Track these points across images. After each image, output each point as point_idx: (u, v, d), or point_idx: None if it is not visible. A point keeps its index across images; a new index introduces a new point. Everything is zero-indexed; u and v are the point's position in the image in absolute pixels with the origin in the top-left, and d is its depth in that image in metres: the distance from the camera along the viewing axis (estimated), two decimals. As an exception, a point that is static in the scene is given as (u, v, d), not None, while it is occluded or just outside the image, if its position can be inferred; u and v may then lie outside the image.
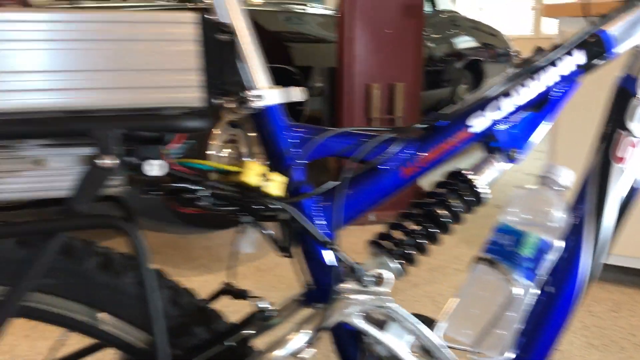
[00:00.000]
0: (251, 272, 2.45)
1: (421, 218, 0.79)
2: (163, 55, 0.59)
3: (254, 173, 0.66)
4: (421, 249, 0.78)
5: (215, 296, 0.79)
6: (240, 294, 0.76)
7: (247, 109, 0.70)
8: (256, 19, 3.28)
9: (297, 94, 0.74)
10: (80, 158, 0.61)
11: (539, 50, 0.83)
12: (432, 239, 0.78)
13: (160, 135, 0.60)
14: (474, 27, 5.44)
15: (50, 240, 0.56)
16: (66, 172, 0.61)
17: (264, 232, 0.70)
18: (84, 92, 0.57)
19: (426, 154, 0.77)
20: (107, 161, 0.56)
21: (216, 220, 2.75)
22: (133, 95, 0.58)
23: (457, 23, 5.13)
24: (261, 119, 0.73)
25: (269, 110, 0.73)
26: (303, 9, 3.75)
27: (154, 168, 0.61)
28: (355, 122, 3.14)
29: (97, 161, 0.56)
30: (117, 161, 0.57)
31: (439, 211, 0.78)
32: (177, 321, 0.69)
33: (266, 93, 0.71)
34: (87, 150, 0.61)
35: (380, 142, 0.76)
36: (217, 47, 0.61)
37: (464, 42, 5.04)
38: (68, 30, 0.56)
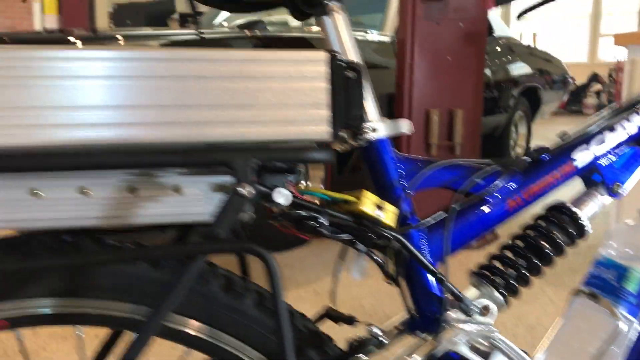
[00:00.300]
0: (309, 295, 2.48)
1: (523, 250, 0.80)
2: (295, 91, 0.62)
3: (370, 203, 0.68)
4: (524, 281, 0.79)
5: (318, 320, 0.81)
6: (345, 319, 0.78)
7: (360, 141, 0.73)
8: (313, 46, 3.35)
9: (405, 126, 0.76)
10: (213, 186, 0.65)
11: None
12: (535, 271, 0.79)
13: (289, 166, 0.64)
14: (530, 53, 5.40)
15: (192, 263, 0.60)
16: (200, 198, 0.65)
17: (375, 259, 0.72)
18: (223, 125, 0.61)
19: (531, 187, 0.79)
20: (246, 190, 0.60)
21: (281, 242, 2.79)
22: (266, 129, 0.62)
23: (513, 49, 5.11)
24: (371, 150, 0.76)
25: (379, 142, 0.76)
26: (363, 36, 3.80)
27: (282, 196, 0.64)
28: (413, 147, 3.15)
29: (237, 189, 0.60)
30: (254, 190, 0.60)
31: (541, 243, 0.79)
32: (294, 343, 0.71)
33: (378, 125, 0.74)
34: (219, 179, 0.65)
35: (487, 175, 0.78)
36: (344, 83, 0.64)
37: (520, 69, 5.01)
38: (215, 68, 0.60)
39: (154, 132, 0.60)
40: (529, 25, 9.54)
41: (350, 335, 0.77)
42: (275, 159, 0.62)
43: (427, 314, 0.77)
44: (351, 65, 0.64)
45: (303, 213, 0.66)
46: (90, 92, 0.58)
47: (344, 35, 0.76)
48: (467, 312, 0.74)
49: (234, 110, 0.61)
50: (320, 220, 0.67)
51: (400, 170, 0.77)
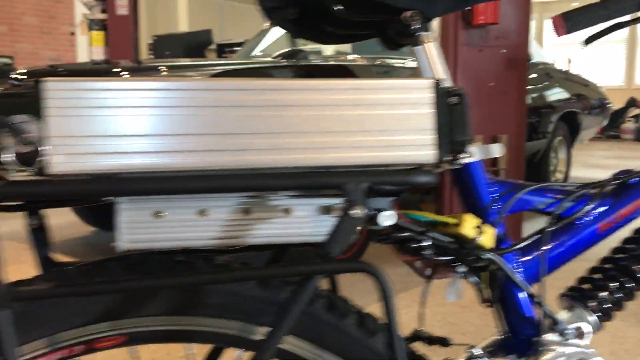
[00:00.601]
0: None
1: (614, 273, 0.80)
2: (401, 117, 0.65)
3: (471, 225, 0.70)
4: (618, 304, 0.79)
5: (409, 342, 0.83)
6: (439, 341, 0.80)
7: (455, 164, 0.75)
8: (352, 73, 3.40)
9: (497, 150, 0.78)
10: (320, 208, 0.68)
11: None
12: (628, 293, 0.80)
13: (397, 189, 0.66)
14: (567, 79, 5.39)
15: (308, 282, 0.63)
16: (308, 220, 0.68)
17: (472, 281, 0.74)
18: (334, 150, 0.64)
19: (621, 210, 0.80)
20: (358, 211, 0.62)
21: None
22: (374, 153, 0.64)
23: (550, 75, 5.10)
24: (464, 173, 0.78)
25: (472, 165, 0.78)
26: (402, 63, 3.85)
27: (388, 219, 0.66)
28: (459, 173, 3.15)
29: (350, 211, 0.62)
30: (365, 212, 0.63)
31: (634, 266, 0.79)
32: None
33: (473, 149, 0.76)
34: (326, 202, 0.68)
35: (578, 198, 0.79)
36: (449, 109, 0.67)
37: (558, 94, 4.99)
38: (328, 96, 0.63)
39: (272, 158, 0.63)
40: (564, 50, 9.51)
41: (440, 357, 0.79)
42: (383, 183, 0.65)
43: (522, 337, 0.78)
44: (455, 92, 0.67)
45: (406, 235, 0.69)
46: (211, 120, 0.62)
47: (437, 63, 0.79)
48: (563, 334, 0.75)
49: (344, 136, 0.64)
50: (424, 242, 0.69)
51: (494, 195, 0.79)
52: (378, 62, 3.75)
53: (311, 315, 0.72)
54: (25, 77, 3.10)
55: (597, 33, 1.17)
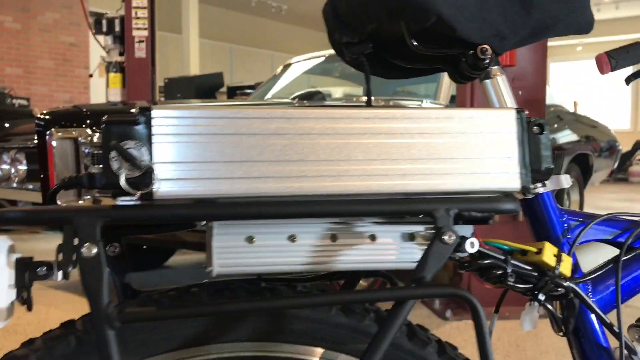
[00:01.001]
0: None
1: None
2: (487, 146, 0.67)
3: (551, 253, 0.71)
4: (690, 333, 0.79)
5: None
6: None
7: (530, 194, 0.76)
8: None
9: (566, 180, 0.80)
10: (405, 235, 0.69)
11: None
12: (700, 323, 0.80)
13: (484, 216, 0.67)
14: (577, 120, 5.44)
15: (402, 307, 0.63)
16: (392, 247, 0.69)
17: (550, 310, 0.74)
18: (422, 177, 0.65)
19: (691, 240, 0.81)
20: (449, 237, 0.64)
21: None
22: (461, 180, 0.66)
23: (561, 117, 5.16)
24: (536, 203, 0.79)
25: (544, 195, 0.79)
26: (419, 105, 3.90)
27: (472, 245, 0.67)
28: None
29: (442, 237, 0.64)
30: (455, 238, 0.64)
31: None
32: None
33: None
34: (410, 228, 0.70)
35: (648, 228, 0.80)
36: (532, 138, 0.69)
37: (569, 136, 5.04)
38: (417, 125, 0.65)
39: (365, 184, 0.64)
40: (569, 93, 9.62)
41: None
42: (471, 209, 0.66)
43: (596, 365, 0.78)
44: (537, 122, 0.69)
45: (489, 262, 0.70)
46: (307, 148, 0.64)
47: (507, 95, 0.81)
48: (639, 363, 0.75)
49: (432, 164, 0.66)
50: (506, 270, 0.70)
51: (564, 225, 0.80)
52: (391, 103, 3.80)
53: (394, 344, 0.72)
54: (49, 117, 3.16)
55: (638, 72, 1.20)
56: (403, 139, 0.66)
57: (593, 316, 0.80)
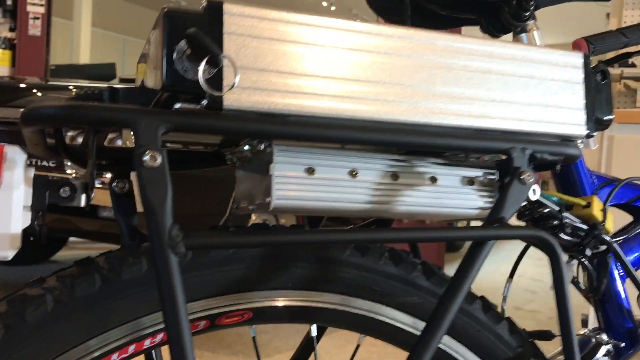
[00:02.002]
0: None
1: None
2: (558, 88, 0.64)
3: (598, 208, 0.70)
4: None
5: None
6: (542, 335, 0.77)
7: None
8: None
9: (594, 142, 0.79)
10: (465, 179, 0.65)
11: None
12: None
13: (552, 161, 0.64)
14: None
15: (481, 249, 0.58)
16: (452, 190, 0.64)
17: (588, 267, 0.73)
18: (499, 116, 0.61)
19: None
20: (529, 178, 0.60)
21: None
22: (533, 123, 0.63)
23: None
24: (570, 164, 0.78)
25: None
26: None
27: (535, 192, 0.64)
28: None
29: (522, 177, 0.60)
30: (533, 179, 0.60)
31: None
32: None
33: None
34: (470, 173, 0.65)
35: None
36: (596, 86, 0.67)
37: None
38: (499, 67, 0.61)
39: (443, 115, 0.59)
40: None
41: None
42: (543, 152, 0.63)
43: (619, 329, 0.78)
44: (600, 69, 0.67)
45: (548, 212, 0.67)
46: (393, 69, 0.57)
47: (543, 52, 0.79)
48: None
49: (506, 104, 0.62)
50: (562, 221, 0.67)
51: (594, 186, 0.79)
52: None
53: (469, 314, 0.67)
54: None
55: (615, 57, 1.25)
56: (482, 74, 0.62)
57: (618, 279, 0.79)
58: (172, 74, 0.50)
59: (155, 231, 0.47)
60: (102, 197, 2.99)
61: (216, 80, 0.51)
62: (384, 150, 0.64)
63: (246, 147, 0.60)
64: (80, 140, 0.62)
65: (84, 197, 0.56)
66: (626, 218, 0.85)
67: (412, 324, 0.67)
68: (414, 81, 0.59)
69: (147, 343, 0.57)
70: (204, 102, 0.51)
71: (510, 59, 0.63)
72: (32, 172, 0.53)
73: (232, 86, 0.50)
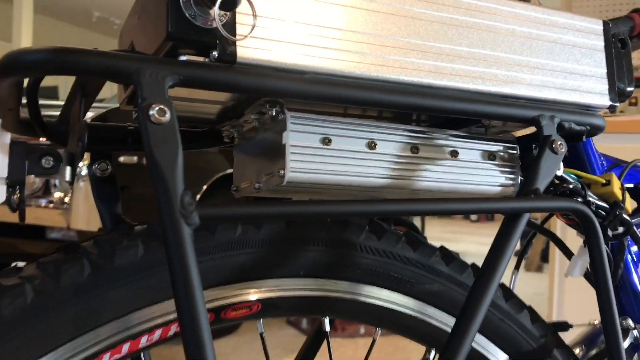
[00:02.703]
0: None
1: None
2: (582, 55, 0.61)
3: (617, 186, 0.66)
4: None
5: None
6: (559, 326, 0.72)
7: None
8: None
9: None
10: (486, 154, 0.60)
11: None
12: None
13: (579, 131, 0.60)
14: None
15: (517, 222, 0.53)
16: (473, 165, 0.59)
17: (607, 250, 0.68)
18: (525, 82, 0.57)
19: None
20: (561, 147, 0.55)
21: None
22: (559, 92, 0.59)
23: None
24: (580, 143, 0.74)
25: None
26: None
27: (560, 168, 0.60)
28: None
29: (553, 146, 0.55)
30: (565, 148, 0.56)
31: None
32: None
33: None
34: (490, 147, 0.60)
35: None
36: (617, 55, 0.63)
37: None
38: (513, 25, 0.57)
39: (468, 79, 0.54)
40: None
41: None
42: (572, 121, 0.58)
43: (634, 316, 0.74)
44: (620, 37, 0.64)
45: (573, 187, 0.63)
46: (414, 28, 0.52)
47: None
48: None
49: (531, 69, 0.58)
50: (586, 198, 0.63)
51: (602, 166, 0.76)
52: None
53: (492, 302, 0.62)
54: None
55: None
56: (506, 36, 0.57)
57: (631, 264, 0.75)
58: (178, 20, 0.43)
59: (164, 198, 0.39)
60: (51, 217, 2.82)
61: (228, 29, 0.44)
62: (402, 120, 0.59)
63: (253, 116, 0.54)
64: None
65: (68, 170, 0.48)
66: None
67: (434, 316, 0.61)
68: (439, 40, 0.53)
69: (143, 341, 0.49)
70: (215, 53, 0.44)
71: (533, 22, 0.58)
72: (7, 137, 0.44)
73: (252, 28, 0.44)
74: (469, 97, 0.54)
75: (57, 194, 2.74)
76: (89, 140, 0.57)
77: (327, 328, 0.60)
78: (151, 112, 0.40)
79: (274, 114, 0.51)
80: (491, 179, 0.60)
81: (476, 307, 0.50)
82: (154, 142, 0.40)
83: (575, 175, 0.66)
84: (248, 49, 0.45)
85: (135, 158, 2.37)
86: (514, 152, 0.62)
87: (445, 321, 0.61)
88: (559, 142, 0.56)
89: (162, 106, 0.40)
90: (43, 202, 2.77)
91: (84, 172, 2.43)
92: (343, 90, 0.48)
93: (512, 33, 0.57)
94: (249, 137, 0.58)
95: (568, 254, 0.78)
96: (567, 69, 0.60)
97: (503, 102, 0.55)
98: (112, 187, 0.59)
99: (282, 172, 0.50)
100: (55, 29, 11.47)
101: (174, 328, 0.50)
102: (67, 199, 2.76)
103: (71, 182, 0.49)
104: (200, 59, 0.45)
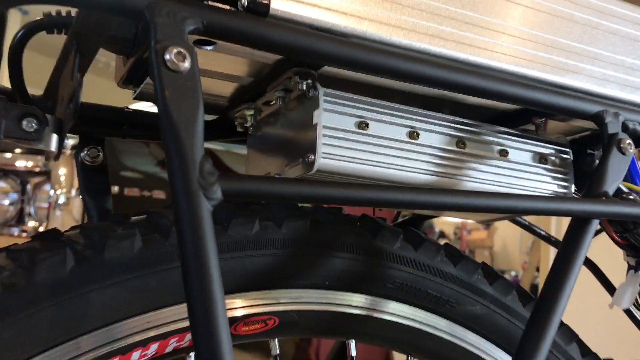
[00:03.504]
0: None
1: None
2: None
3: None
4: None
5: None
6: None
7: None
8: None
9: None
10: (537, 157, 0.52)
11: None
12: None
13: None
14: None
15: (585, 229, 0.45)
16: (523, 167, 0.52)
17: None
18: (588, 75, 0.50)
19: None
20: (630, 147, 0.48)
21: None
22: (623, 89, 0.52)
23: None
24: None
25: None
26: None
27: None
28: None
29: (622, 145, 0.48)
30: (633, 148, 0.49)
31: None
32: None
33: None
34: (542, 149, 0.53)
35: None
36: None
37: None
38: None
39: (525, 64, 0.47)
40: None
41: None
42: (636, 121, 0.51)
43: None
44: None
45: (631, 196, 0.55)
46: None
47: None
48: None
49: (592, 61, 0.51)
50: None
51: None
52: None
53: (510, 308, 0.53)
54: None
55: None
56: (568, 21, 0.50)
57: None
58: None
59: (180, 164, 0.31)
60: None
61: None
62: (449, 109, 0.51)
63: (277, 93, 0.45)
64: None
65: (55, 138, 0.39)
66: None
67: (476, 344, 0.52)
68: (499, 17, 0.46)
69: (135, 357, 0.39)
70: (244, 1, 0.36)
71: (594, 9, 0.52)
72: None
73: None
74: (526, 82, 0.47)
75: (31, 223, 2.61)
76: (79, 120, 0.48)
77: (353, 352, 0.51)
78: (167, 56, 0.32)
79: (304, 87, 0.43)
80: (542, 184, 0.52)
81: (541, 336, 0.41)
82: (170, 93, 0.31)
83: (626, 186, 0.59)
84: (284, 2, 0.38)
85: (137, 190, 2.27)
86: (567, 156, 0.54)
87: (487, 350, 0.52)
88: (627, 142, 0.48)
89: (181, 49, 0.32)
90: (16, 231, 2.63)
91: (62, 200, 2.31)
92: (402, 62, 0.40)
93: (571, 18, 0.51)
94: (268, 124, 0.50)
95: (608, 284, 0.70)
96: (630, 64, 0.53)
97: (563, 93, 0.48)
98: (102, 179, 0.50)
99: (312, 157, 0.42)
100: (35, 64, 11.41)
101: (173, 342, 0.41)
102: (41, 229, 2.62)
103: (56, 156, 0.40)
104: (227, 8, 0.37)
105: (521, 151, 0.52)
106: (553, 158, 0.53)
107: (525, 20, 0.48)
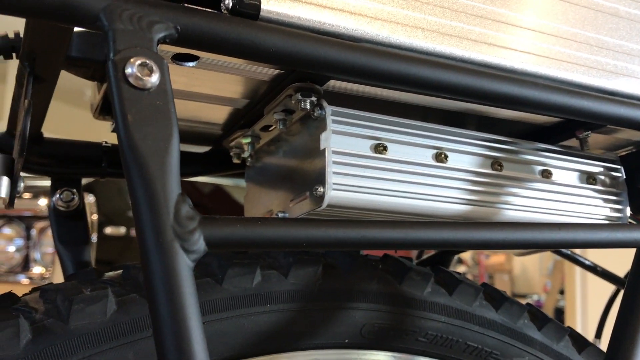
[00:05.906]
0: None
1: None
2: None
3: None
4: None
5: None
6: None
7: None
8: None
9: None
10: (584, 176, 0.45)
11: None
12: None
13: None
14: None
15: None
16: (571, 190, 0.44)
17: None
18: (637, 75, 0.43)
19: None
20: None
21: None
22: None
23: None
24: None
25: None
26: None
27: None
28: None
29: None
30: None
31: None
32: None
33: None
34: (589, 167, 0.45)
35: None
36: None
37: None
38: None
39: (563, 65, 0.40)
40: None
41: None
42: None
43: None
44: None
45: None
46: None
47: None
48: None
49: None
50: None
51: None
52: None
53: (563, 357, 0.45)
54: None
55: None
56: (611, 16, 0.43)
57: None
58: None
59: (150, 208, 0.23)
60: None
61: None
62: (474, 125, 0.44)
63: (276, 116, 0.38)
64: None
65: (5, 181, 0.32)
66: None
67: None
68: (535, 15, 0.39)
69: None
70: (229, 1, 0.29)
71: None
72: None
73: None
74: (571, 89, 0.39)
75: (37, 269, 2.54)
76: (49, 159, 0.42)
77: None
78: (129, 70, 0.25)
79: (308, 106, 0.36)
80: (593, 209, 0.45)
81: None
82: (133, 116, 0.24)
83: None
84: (277, 0, 0.31)
85: (122, 229, 2.20)
86: (619, 174, 0.46)
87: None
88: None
89: (147, 60, 0.25)
90: (22, 278, 2.56)
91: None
92: (426, 69, 0.33)
93: (616, 13, 0.43)
94: (268, 153, 0.42)
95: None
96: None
97: (614, 100, 0.41)
98: (78, 225, 0.43)
99: (321, 189, 0.35)
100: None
101: None
102: (47, 274, 2.56)
103: (10, 202, 0.33)
104: (206, 10, 0.30)
105: (566, 170, 0.44)
106: (603, 177, 0.46)
107: (564, 17, 0.41)
